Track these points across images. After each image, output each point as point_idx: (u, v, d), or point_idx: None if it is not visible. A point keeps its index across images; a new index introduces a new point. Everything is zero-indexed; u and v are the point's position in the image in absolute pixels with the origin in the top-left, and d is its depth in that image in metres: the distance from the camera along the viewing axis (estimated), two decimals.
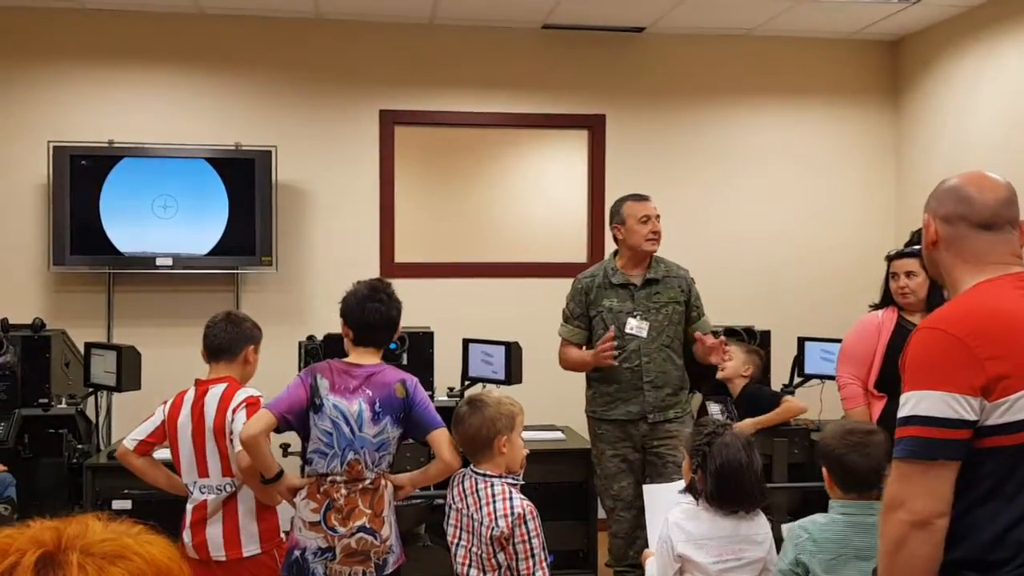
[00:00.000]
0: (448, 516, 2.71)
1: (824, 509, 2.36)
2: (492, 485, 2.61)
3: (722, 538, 2.38)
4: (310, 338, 4.52)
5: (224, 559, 2.84)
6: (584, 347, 3.85)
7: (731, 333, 4.48)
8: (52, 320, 4.76)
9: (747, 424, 4.30)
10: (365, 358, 2.80)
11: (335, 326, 2.96)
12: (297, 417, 2.73)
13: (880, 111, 5.82)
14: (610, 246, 5.21)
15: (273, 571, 2.86)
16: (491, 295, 5.37)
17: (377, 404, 2.71)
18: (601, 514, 4.04)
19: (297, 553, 2.71)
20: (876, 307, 3.72)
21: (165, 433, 2.95)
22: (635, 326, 3.70)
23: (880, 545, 1.66)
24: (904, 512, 1.60)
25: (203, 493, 2.90)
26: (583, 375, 3.88)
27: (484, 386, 4.41)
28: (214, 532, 2.86)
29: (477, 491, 2.63)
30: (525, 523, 2.54)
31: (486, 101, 5.49)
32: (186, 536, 2.91)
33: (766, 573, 2.38)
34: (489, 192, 5.61)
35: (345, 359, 2.82)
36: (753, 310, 5.28)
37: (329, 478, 2.71)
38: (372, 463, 2.71)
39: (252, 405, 2.84)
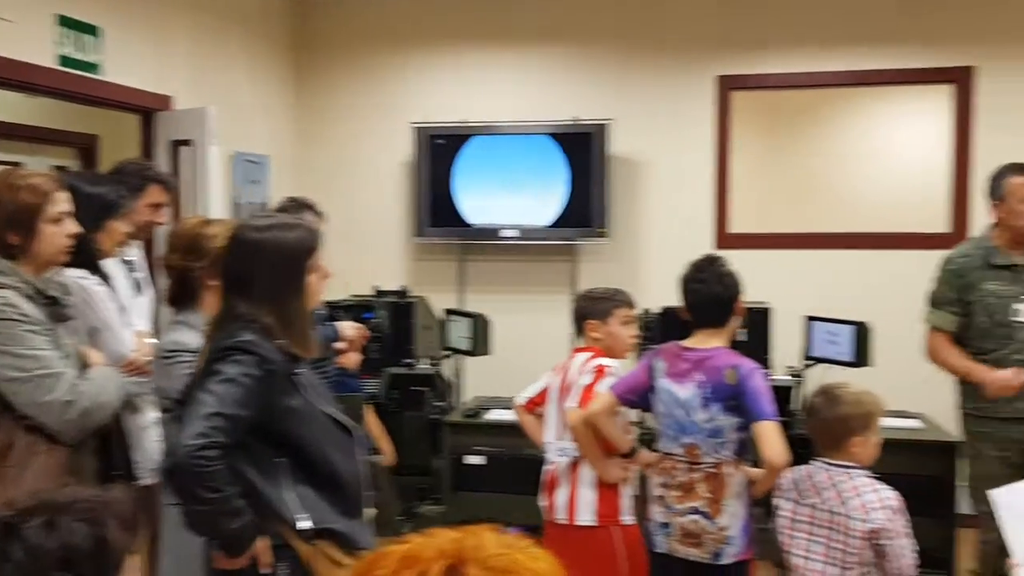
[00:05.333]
0: (782, 509, 2.58)
1: None
2: (853, 477, 2.47)
3: None
4: (645, 311, 4.54)
5: (565, 523, 2.94)
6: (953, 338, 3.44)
7: None
8: (413, 287, 5.25)
9: None
10: (704, 340, 2.74)
11: (671, 298, 2.93)
12: (640, 397, 2.80)
13: None
14: (977, 214, 4.67)
15: (607, 547, 2.87)
16: (834, 268, 5.03)
17: (708, 390, 2.65)
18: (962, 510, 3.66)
19: (647, 522, 2.80)
20: None
21: (545, 397, 3.15)
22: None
23: None
24: None
25: (556, 455, 3.03)
26: None
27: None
28: (559, 495, 2.98)
29: (836, 483, 2.48)
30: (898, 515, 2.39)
31: (829, 59, 5.09)
32: (541, 499, 3.07)
33: None
34: (832, 157, 5.23)
35: (683, 341, 2.78)
36: None
37: (671, 457, 2.73)
38: (710, 449, 2.67)
39: (599, 372, 2.92)
